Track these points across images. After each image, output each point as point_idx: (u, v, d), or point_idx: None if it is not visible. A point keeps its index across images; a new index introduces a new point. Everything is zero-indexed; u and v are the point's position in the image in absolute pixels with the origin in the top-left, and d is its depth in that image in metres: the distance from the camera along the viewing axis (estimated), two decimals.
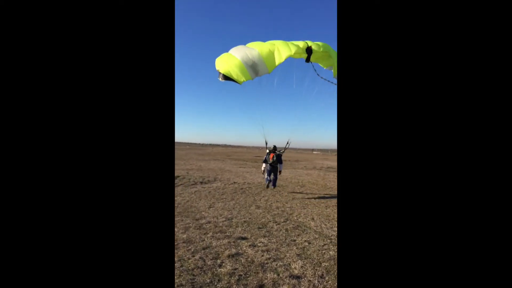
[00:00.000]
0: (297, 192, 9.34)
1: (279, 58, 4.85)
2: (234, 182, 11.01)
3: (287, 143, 8.45)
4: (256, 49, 4.98)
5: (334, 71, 5.45)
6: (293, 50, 4.89)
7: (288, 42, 5.09)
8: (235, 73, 4.92)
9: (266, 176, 9.26)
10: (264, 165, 9.00)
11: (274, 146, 8.96)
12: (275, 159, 8.62)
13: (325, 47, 5.31)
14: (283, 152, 8.81)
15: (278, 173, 8.96)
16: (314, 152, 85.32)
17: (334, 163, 28.80)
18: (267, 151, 8.87)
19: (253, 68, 4.92)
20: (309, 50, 5.04)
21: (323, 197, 8.49)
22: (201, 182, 10.61)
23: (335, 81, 5.53)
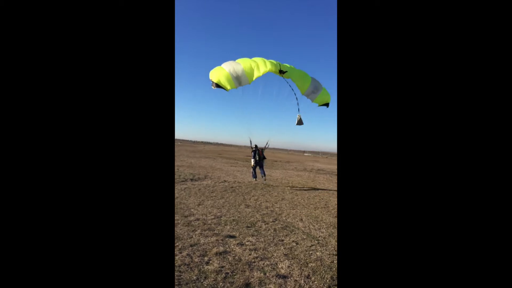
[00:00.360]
0: (288, 188, 9.42)
1: (258, 73, 6.59)
2: (225, 181, 10.99)
3: (267, 143, 10.83)
4: (241, 64, 6.62)
5: (300, 89, 7.57)
6: (268, 67, 6.69)
7: (266, 60, 6.90)
8: (224, 82, 6.56)
9: (252, 171, 11.34)
10: (253, 160, 10.98)
11: (256, 145, 10.95)
12: (260, 157, 11.00)
13: (291, 69, 7.41)
14: (264, 150, 11.23)
15: (263, 163, 11.19)
16: (305, 154, 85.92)
17: (324, 165, 29.07)
18: (252, 149, 10.93)
19: (238, 79, 6.57)
20: (281, 71, 7.05)
21: (313, 199, 8.56)
22: (191, 179, 10.55)
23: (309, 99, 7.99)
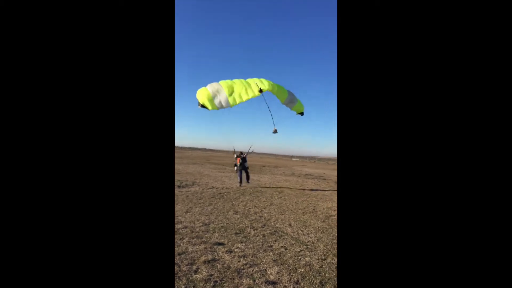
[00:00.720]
0: (276, 193, 9.40)
1: (240, 100, 7.54)
2: (213, 187, 10.90)
3: (250, 148, 11.70)
4: (223, 87, 7.64)
5: (280, 99, 8.66)
6: (250, 95, 7.59)
7: (246, 86, 7.78)
8: (207, 103, 7.60)
9: (238, 177, 12.04)
10: (235, 167, 12.05)
11: (241, 152, 11.94)
12: (241, 162, 11.77)
13: (271, 85, 8.21)
14: (246, 155, 11.94)
15: (247, 169, 12.05)
16: (293, 159, 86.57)
17: (312, 170, 29.35)
18: (235, 156, 11.91)
19: (219, 103, 7.61)
20: (260, 91, 7.82)
21: (301, 204, 8.61)
22: (179, 186, 10.40)
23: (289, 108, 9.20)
